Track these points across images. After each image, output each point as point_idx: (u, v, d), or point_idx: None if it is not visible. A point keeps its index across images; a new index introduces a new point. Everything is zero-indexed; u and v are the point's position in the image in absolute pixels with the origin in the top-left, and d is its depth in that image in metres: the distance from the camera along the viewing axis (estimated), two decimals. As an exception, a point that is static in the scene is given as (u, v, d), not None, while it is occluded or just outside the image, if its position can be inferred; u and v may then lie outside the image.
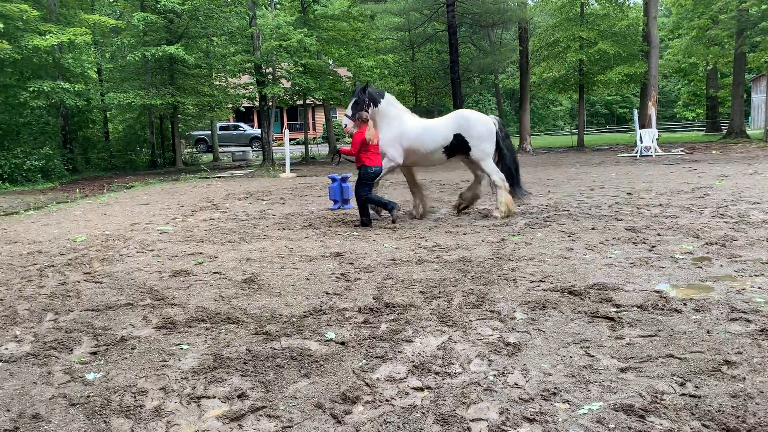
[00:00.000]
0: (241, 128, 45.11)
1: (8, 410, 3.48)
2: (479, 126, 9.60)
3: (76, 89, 22.90)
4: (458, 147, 9.68)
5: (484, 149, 9.61)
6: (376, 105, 9.79)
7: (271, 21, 26.24)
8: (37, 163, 22.14)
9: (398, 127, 9.82)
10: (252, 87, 29.24)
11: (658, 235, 7.68)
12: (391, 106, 9.96)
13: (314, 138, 47.52)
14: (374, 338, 4.37)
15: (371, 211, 9.86)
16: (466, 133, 9.58)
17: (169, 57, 25.26)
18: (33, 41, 20.43)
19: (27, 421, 3.33)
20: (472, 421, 3.13)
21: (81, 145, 29.37)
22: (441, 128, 9.75)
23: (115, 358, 4.23)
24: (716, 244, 6.96)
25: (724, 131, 35.83)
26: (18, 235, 9.94)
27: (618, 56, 30.84)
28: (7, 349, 4.50)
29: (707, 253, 6.57)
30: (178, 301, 5.56)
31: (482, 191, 10.42)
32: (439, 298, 5.32)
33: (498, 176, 9.65)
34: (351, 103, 9.80)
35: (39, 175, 22.41)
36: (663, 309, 4.72)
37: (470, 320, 4.69)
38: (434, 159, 9.99)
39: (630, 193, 12.07)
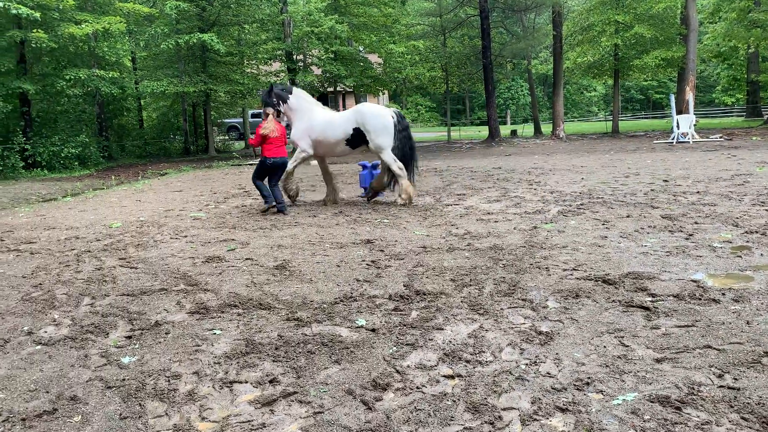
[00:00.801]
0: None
1: (47, 392, 3.56)
2: (374, 120, 10.07)
3: (111, 76, 23.28)
4: (358, 139, 10.25)
5: (380, 141, 10.06)
6: (285, 101, 10.61)
7: (302, 7, 26.25)
8: (74, 150, 22.61)
9: (308, 120, 10.52)
10: (283, 74, 29.34)
11: (696, 223, 7.51)
12: (301, 101, 10.67)
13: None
14: (405, 325, 4.36)
15: (286, 199, 10.67)
16: (363, 127, 10.10)
17: (202, 45, 25.48)
18: (69, 30, 20.79)
19: (65, 403, 3.41)
20: (504, 410, 3.10)
21: (116, 133, 29.93)
22: (342, 122, 10.36)
23: (150, 342, 4.30)
24: (756, 232, 6.77)
25: (766, 117, 34.81)
26: (56, 221, 10.17)
27: (655, 40, 30.12)
28: (45, 332, 4.61)
29: (747, 241, 6.40)
30: (210, 287, 5.62)
31: (387, 181, 10.79)
32: (470, 286, 5.29)
33: (396, 166, 10.09)
34: (263, 107, 10.49)
35: (76, 162, 22.90)
36: (700, 299, 4.61)
37: (502, 308, 4.65)
38: (339, 150, 10.63)
39: (666, 180, 11.81)
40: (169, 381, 3.63)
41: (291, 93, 10.68)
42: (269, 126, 9.91)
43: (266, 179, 10.10)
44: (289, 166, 10.45)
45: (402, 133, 10.20)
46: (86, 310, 5.09)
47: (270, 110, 10.19)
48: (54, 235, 8.85)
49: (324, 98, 51.83)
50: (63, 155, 22.28)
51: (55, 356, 4.12)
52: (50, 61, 23.93)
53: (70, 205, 12.59)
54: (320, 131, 10.39)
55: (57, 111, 24.87)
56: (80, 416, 3.25)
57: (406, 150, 10.25)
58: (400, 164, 10.11)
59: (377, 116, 10.08)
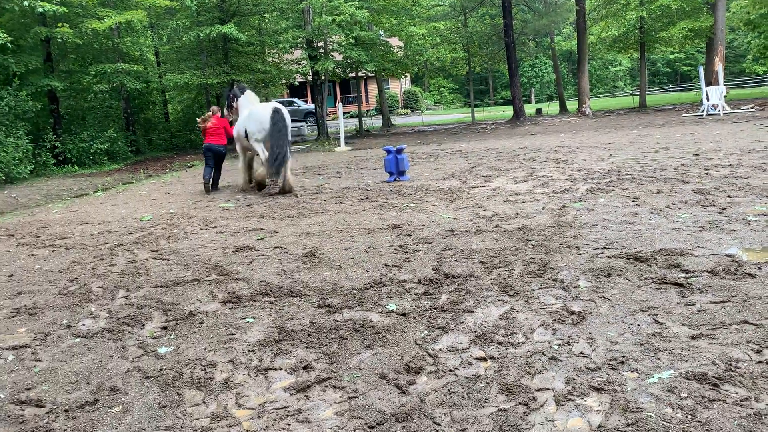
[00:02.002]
0: (295, 104, 45.40)
1: (88, 383, 3.65)
2: (252, 121, 11.31)
3: (135, 69, 23.54)
4: (247, 136, 11.66)
5: (254, 138, 11.36)
6: (237, 98, 12.34)
7: (321, -6, 26.11)
8: (102, 145, 22.95)
9: (242, 116, 11.93)
10: (305, 62, 29.32)
11: (729, 196, 7.36)
12: (245, 100, 12.12)
13: (367, 110, 47.50)
14: (435, 309, 4.37)
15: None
16: (248, 127, 11.49)
17: (223, 36, 25.56)
18: (91, 25, 21.04)
19: (106, 393, 3.49)
20: (538, 390, 3.10)
21: (143, 127, 30.27)
22: (241, 120, 11.86)
23: (185, 332, 4.37)
24: (792, 204, 6.62)
25: (799, 85, 33.81)
26: (88, 216, 10.36)
27: (681, 11, 29.36)
28: (84, 325, 4.71)
29: (783, 214, 6.26)
30: (242, 276, 5.69)
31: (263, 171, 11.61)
32: (500, 267, 5.26)
33: (263, 156, 11.22)
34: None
35: (105, 158, 23.25)
36: (735, 274, 4.53)
37: (532, 289, 4.62)
38: (248, 145, 11.86)
39: (697, 154, 11.57)
40: (205, 370, 3.70)
41: (243, 91, 12.35)
42: (207, 119, 12.40)
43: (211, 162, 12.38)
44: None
45: (275, 126, 10.88)
46: (122, 303, 5.20)
47: (215, 109, 12.77)
48: (87, 229, 9.03)
49: (346, 84, 51.77)
50: (92, 151, 22.64)
51: (93, 348, 4.21)
52: (76, 58, 24.25)
53: (102, 199, 12.81)
54: (239, 127, 11.93)
55: (84, 107, 25.23)
56: (121, 406, 3.33)
57: (276, 147, 10.85)
58: (266, 156, 11.11)
59: (255, 118, 11.29)
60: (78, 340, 4.40)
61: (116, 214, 10.31)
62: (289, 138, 11.29)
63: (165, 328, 4.49)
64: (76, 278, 6.15)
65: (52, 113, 22.93)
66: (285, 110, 11.35)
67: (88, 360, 4.01)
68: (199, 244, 7.28)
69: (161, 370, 3.75)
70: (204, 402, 3.31)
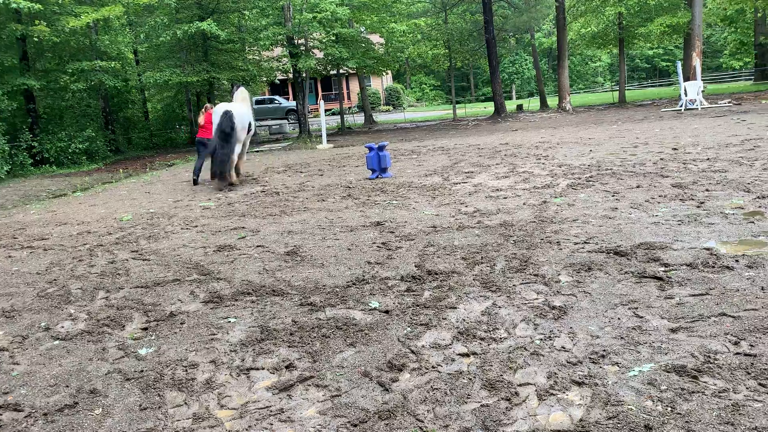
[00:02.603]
0: (276, 101, 45.19)
1: (67, 386, 3.61)
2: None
3: (112, 66, 23.27)
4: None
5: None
6: (232, 95, 13.64)
7: (301, -10, 25.99)
8: (81, 145, 22.66)
9: None
10: (285, 59, 29.17)
11: (707, 190, 7.45)
12: (235, 98, 13.17)
13: (349, 108, 47.41)
14: (418, 306, 4.37)
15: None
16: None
17: (202, 33, 25.36)
18: (69, 23, 20.75)
19: (86, 396, 3.45)
20: (520, 385, 3.11)
21: (122, 126, 29.95)
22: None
23: (166, 333, 4.33)
24: (769, 197, 6.71)
25: (774, 79, 34.34)
26: (67, 217, 10.23)
27: (659, 6, 29.66)
28: (63, 327, 4.65)
29: (759, 207, 6.35)
30: (223, 276, 5.65)
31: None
32: (482, 263, 5.28)
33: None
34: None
35: (84, 157, 22.97)
36: (714, 267, 4.59)
37: (514, 285, 4.65)
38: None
39: (675, 149, 11.70)
40: (186, 370, 3.67)
41: (236, 90, 13.51)
42: (200, 117, 13.87)
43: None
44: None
45: (218, 127, 11.80)
46: (101, 304, 5.14)
47: (208, 105, 13.96)
48: (66, 230, 8.91)
49: (327, 81, 51.57)
50: (70, 150, 22.35)
51: (73, 350, 4.16)
52: (53, 57, 23.91)
53: (81, 200, 12.66)
54: None
55: (62, 107, 24.87)
56: (101, 409, 3.29)
57: (211, 148, 12.10)
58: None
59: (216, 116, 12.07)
60: (57, 342, 4.34)
61: (95, 215, 10.19)
62: (232, 141, 11.85)
63: (146, 329, 4.45)
64: (55, 280, 6.07)
65: (29, 113, 22.59)
66: (237, 113, 11.96)
67: (68, 362, 3.96)
68: (179, 244, 7.23)
69: (142, 371, 3.71)
70: (186, 403, 3.28)
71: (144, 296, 5.24)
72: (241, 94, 13.30)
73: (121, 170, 19.29)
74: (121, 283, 5.71)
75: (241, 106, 12.52)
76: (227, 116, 11.72)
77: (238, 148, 12.15)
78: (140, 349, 4.07)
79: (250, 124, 12.65)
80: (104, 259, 6.77)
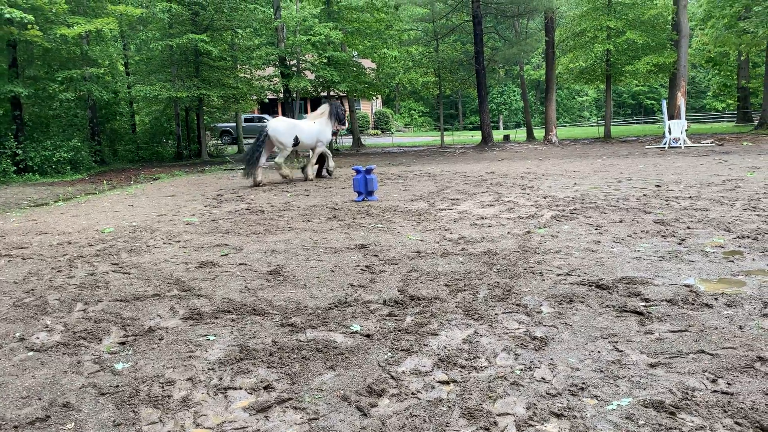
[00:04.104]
0: (265, 120, 45.22)
1: (40, 398, 3.54)
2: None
3: (101, 72, 23.22)
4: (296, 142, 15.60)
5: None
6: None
7: (296, 13, 26.25)
8: (66, 155, 22.50)
9: None
10: (276, 79, 29.30)
11: (688, 228, 7.55)
12: (314, 114, 16.49)
13: (338, 130, 47.53)
14: (399, 331, 4.36)
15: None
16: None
17: (195, 49, 25.43)
18: (60, 31, 20.73)
19: (58, 410, 3.38)
20: (499, 415, 3.10)
21: (108, 137, 29.80)
22: None
23: (143, 348, 4.28)
24: (748, 237, 6.81)
25: (756, 122, 35.03)
26: (48, 226, 10.11)
27: (646, 46, 30.31)
28: (38, 338, 4.58)
29: (739, 246, 6.44)
30: (204, 293, 5.60)
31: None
32: (465, 291, 5.29)
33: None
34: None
35: (68, 167, 22.79)
36: (693, 304, 4.64)
37: (496, 314, 4.65)
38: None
39: (658, 185, 11.87)
40: (163, 387, 3.62)
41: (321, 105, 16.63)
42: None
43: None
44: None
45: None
46: (79, 316, 5.07)
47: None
48: (46, 240, 8.81)
49: (317, 102, 51.83)
50: (55, 160, 22.18)
51: (47, 363, 4.09)
52: (42, 64, 23.83)
53: (63, 210, 12.53)
54: None
55: (49, 115, 24.75)
56: (73, 423, 3.23)
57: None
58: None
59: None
60: (31, 353, 4.26)
61: (77, 225, 10.09)
62: (257, 146, 15.17)
63: (123, 343, 4.39)
64: (32, 290, 5.98)
65: (15, 119, 22.44)
66: (271, 125, 15.34)
67: (41, 375, 3.89)
68: (161, 259, 7.16)
69: (117, 386, 3.66)
70: (161, 420, 3.23)
71: (123, 310, 5.18)
72: (320, 109, 16.48)
73: (105, 182, 19.15)
74: (99, 296, 5.64)
75: (301, 122, 15.99)
76: (263, 129, 15.42)
77: (285, 154, 15.72)
78: (116, 363, 4.01)
79: (296, 138, 15.39)
80: (84, 271, 6.69)
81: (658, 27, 31.16)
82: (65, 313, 5.19)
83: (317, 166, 17.02)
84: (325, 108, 16.53)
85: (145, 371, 3.87)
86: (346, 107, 16.43)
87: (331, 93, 32.71)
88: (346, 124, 15.53)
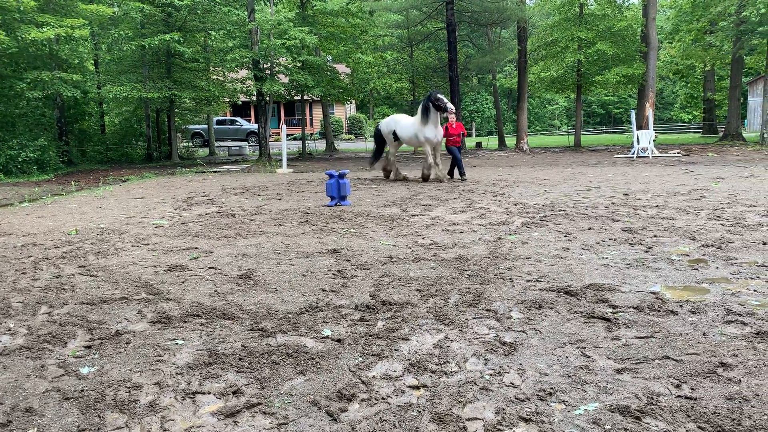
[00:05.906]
0: (237, 123, 44.99)
1: (1, 403, 3.45)
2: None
3: (73, 78, 22.80)
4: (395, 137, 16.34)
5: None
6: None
7: (270, 17, 26.15)
8: (32, 154, 22.05)
9: None
10: (250, 82, 29.12)
11: (655, 236, 7.69)
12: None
13: (311, 134, 47.46)
14: (370, 336, 4.36)
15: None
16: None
17: (167, 50, 25.15)
18: (30, 34, 20.30)
19: (20, 415, 3.31)
20: (468, 420, 3.12)
21: (77, 138, 29.27)
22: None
23: (110, 352, 4.21)
24: (712, 246, 6.97)
25: (721, 134, 35.94)
26: (12, 227, 9.89)
27: (616, 57, 30.89)
28: (0, 341, 4.47)
29: (703, 255, 6.58)
30: (173, 296, 5.53)
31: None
32: (436, 296, 5.31)
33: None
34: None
35: (34, 167, 22.33)
36: (659, 310, 4.72)
37: (466, 319, 4.68)
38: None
39: (626, 194, 12.08)
40: (129, 392, 3.56)
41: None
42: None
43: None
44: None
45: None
46: (43, 319, 4.96)
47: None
48: (10, 241, 8.61)
49: (291, 106, 51.63)
50: (21, 159, 21.71)
51: (9, 366, 4.00)
52: (9, 63, 23.34)
53: (27, 210, 12.27)
54: None
55: (15, 114, 24.20)
56: (36, 428, 3.16)
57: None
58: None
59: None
60: (-7, 357, 4.16)
61: (42, 227, 9.88)
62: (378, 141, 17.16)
63: (89, 347, 4.31)
64: (-5, 292, 5.84)
65: (-21, 118, 21.94)
66: (383, 123, 16.98)
67: (3, 379, 3.80)
68: (129, 262, 7.06)
69: (82, 391, 3.59)
70: (127, 425, 3.18)
71: (89, 313, 5.09)
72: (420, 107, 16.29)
73: (72, 183, 18.81)
74: (65, 299, 5.53)
75: (401, 117, 16.53)
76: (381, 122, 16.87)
77: (392, 149, 16.90)
78: (82, 367, 3.94)
79: (394, 133, 16.16)
80: (49, 273, 6.56)
81: (628, 39, 31.80)
82: (29, 316, 5.08)
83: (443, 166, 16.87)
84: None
85: (111, 375, 3.80)
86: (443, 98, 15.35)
87: (305, 97, 32.65)
88: (448, 109, 15.04)
